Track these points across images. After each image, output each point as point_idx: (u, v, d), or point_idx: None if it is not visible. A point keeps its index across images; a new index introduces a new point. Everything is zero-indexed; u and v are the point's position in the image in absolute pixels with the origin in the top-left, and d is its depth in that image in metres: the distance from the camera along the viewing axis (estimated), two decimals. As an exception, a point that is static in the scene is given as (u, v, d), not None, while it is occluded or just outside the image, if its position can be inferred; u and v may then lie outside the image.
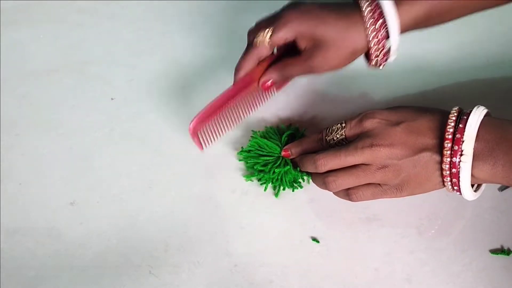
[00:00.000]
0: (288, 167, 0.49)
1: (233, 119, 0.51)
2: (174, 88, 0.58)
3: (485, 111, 0.40)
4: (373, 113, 0.44)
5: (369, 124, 0.43)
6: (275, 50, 0.50)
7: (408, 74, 0.56)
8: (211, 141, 0.50)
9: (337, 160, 0.43)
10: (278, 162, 0.49)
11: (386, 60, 0.47)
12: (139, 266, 0.47)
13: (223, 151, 0.53)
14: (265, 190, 0.50)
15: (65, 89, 0.59)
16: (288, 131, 0.51)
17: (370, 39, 0.45)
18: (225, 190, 0.51)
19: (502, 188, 0.48)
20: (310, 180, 0.50)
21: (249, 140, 0.52)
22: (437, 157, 0.40)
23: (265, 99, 0.54)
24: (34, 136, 0.56)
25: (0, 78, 0.60)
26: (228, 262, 0.47)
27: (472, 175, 0.40)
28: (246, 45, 0.49)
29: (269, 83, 0.49)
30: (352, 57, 0.47)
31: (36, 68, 0.60)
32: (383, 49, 0.46)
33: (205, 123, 0.49)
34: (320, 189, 0.48)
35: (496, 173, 0.39)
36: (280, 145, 0.50)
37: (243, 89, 0.50)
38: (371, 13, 0.44)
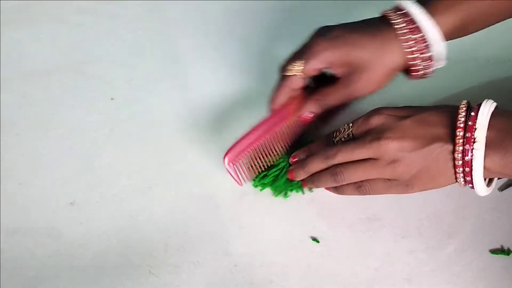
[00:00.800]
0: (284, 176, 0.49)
1: (271, 152, 0.49)
2: (174, 88, 0.58)
3: (495, 104, 0.40)
4: (380, 110, 0.44)
5: (376, 119, 0.43)
6: (310, 81, 0.49)
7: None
8: (248, 176, 0.49)
9: (345, 153, 0.43)
10: (282, 170, 0.49)
11: (432, 68, 0.46)
12: (139, 266, 0.47)
13: (223, 151, 0.53)
14: (260, 190, 0.50)
15: (65, 89, 0.59)
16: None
17: (410, 52, 0.44)
18: (225, 190, 0.51)
19: (502, 188, 0.48)
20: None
21: None
22: (449, 147, 0.40)
23: (308, 132, 0.51)
24: (34, 136, 0.56)
25: (0, 78, 0.60)
26: (228, 262, 0.47)
27: (483, 166, 0.39)
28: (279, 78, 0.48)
29: (308, 115, 0.47)
30: (392, 74, 0.45)
31: (36, 68, 0.60)
32: (429, 58, 0.44)
33: (240, 156, 0.47)
34: (320, 189, 0.48)
35: (507, 163, 0.38)
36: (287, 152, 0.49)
37: (280, 121, 0.48)
38: (407, 29, 0.43)
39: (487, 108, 0.39)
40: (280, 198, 0.50)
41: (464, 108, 0.40)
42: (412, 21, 0.43)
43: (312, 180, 0.46)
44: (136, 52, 0.61)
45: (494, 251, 0.46)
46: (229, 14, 0.62)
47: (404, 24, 0.43)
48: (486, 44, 0.57)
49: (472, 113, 0.39)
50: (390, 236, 0.47)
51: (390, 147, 0.41)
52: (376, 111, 0.44)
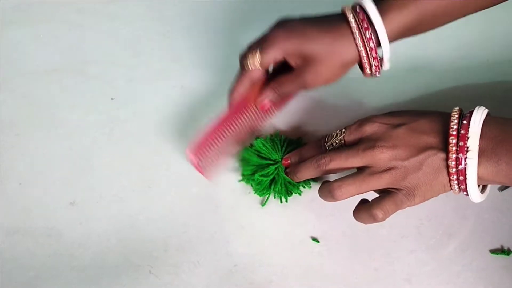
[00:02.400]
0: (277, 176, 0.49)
1: (234, 143, 0.50)
2: (174, 88, 0.58)
3: (486, 110, 0.41)
4: (373, 118, 0.44)
5: (369, 128, 0.43)
6: (271, 69, 0.50)
7: (407, 74, 0.56)
8: (216, 168, 0.49)
9: (338, 160, 0.43)
10: (272, 171, 0.49)
11: (380, 69, 0.47)
12: (139, 266, 0.47)
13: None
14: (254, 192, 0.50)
15: (65, 89, 0.59)
16: (287, 139, 0.51)
17: (361, 49, 0.44)
18: (225, 190, 0.51)
19: (502, 188, 0.48)
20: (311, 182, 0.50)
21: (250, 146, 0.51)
22: (442, 155, 0.40)
23: (266, 119, 0.52)
24: (34, 136, 0.56)
25: (0, 78, 0.60)
26: (228, 262, 0.47)
27: (477, 174, 0.39)
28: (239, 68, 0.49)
29: (266, 103, 0.49)
30: (344, 69, 0.46)
31: (36, 68, 0.60)
32: (376, 58, 0.45)
33: (203, 150, 0.48)
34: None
35: (499, 171, 0.39)
36: (279, 153, 0.50)
37: (240, 111, 0.49)
38: (358, 23, 0.44)
39: (479, 116, 0.40)
40: (279, 198, 0.50)
41: (456, 116, 0.40)
42: (365, 19, 0.44)
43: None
44: (136, 52, 0.61)
45: (494, 251, 0.46)
46: (229, 14, 0.62)
47: (355, 19, 0.44)
48: (486, 44, 0.57)
49: (464, 121, 0.40)
50: (390, 236, 0.47)
51: (383, 156, 0.41)
52: (369, 119, 0.44)
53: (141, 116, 0.56)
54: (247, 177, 0.50)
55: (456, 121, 0.40)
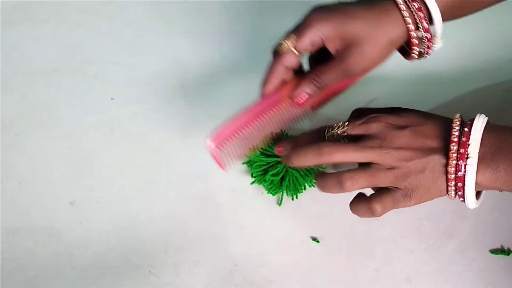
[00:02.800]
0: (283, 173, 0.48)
1: (258, 138, 0.45)
2: (174, 88, 0.58)
3: (486, 118, 0.41)
4: (379, 117, 0.43)
5: (375, 127, 0.42)
6: (305, 66, 0.46)
7: (407, 74, 0.56)
8: (234, 162, 0.45)
9: (342, 152, 0.41)
10: (282, 169, 0.48)
11: (432, 46, 0.44)
12: (139, 266, 0.47)
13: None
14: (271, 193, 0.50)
15: (65, 89, 0.59)
16: (291, 136, 0.51)
17: (409, 21, 0.41)
18: (225, 190, 0.51)
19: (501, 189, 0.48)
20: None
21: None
22: (443, 160, 0.40)
23: (299, 118, 0.46)
24: (34, 136, 0.56)
25: (0, 78, 0.60)
26: (228, 262, 0.47)
27: (475, 181, 0.39)
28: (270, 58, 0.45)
29: (302, 96, 0.44)
30: (391, 48, 0.43)
31: (36, 68, 0.60)
32: (428, 30, 0.42)
33: (227, 141, 0.43)
34: (320, 189, 0.48)
35: (498, 178, 0.39)
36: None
37: (272, 106, 0.44)
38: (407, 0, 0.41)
39: (480, 123, 0.40)
40: (279, 198, 0.50)
41: (458, 122, 0.40)
42: None
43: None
44: (136, 52, 0.61)
45: (494, 251, 0.46)
46: (229, 13, 0.62)
47: None
48: (486, 44, 0.57)
49: (466, 129, 0.40)
50: (390, 236, 0.47)
51: (390, 156, 0.41)
52: (376, 117, 0.43)
53: (141, 116, 0.56)
54: (259, 178, 0.50)
55: (457, 127, 0.40)
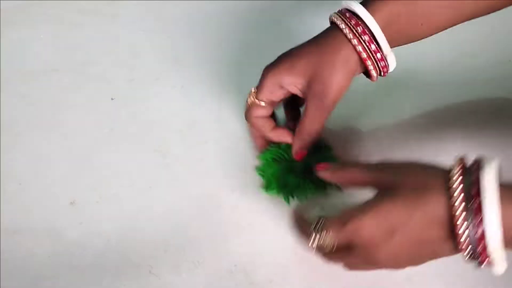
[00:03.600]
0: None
1: None
2: (174, 88, 0.58)
3: (496, 183, 0.32)
4: (359, 223, 0.36)
5: (358, 239, 0.37)
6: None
7: (406, 74, 0.56)
8: None
9: (339, 262, 0.41)
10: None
11: (386, 63, 0.44)
12: (139, 266, 0.47)
13: (223, 151, 0.53)
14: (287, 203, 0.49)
15: (65, 89, 0.59)
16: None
17: (355, 43, 0.42)
18: (225, 190, 0.51)
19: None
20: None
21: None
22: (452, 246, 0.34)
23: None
24: (34, 136, 0.56)
25: (0, 78, 0.60)
26: (228, 262, 0.47)
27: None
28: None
29: (300, 154, 0.47)
30: (347, 67, 0.43)
31: (36, 68, 0.60)
32: (380, 56, 0.43)
33: None
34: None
35: None
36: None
37: None
38: (345, 21, 0.42)
39: (494, 211, 0.31)
40: (279, 199, 0.50)
41: (460, 206, 0.32)
42: (352, 17, 0.42)
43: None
44: (136, 52, 0.61)
45: (494, 251, 0.46)
46: (229, 14, 0.63)
47: (343, 19, 0.42)
48: (486, 44, 0.58)
49: (474, 220, 0.32)
50: (390, 236, 0.47)
51: (385, 267, 0.39)
52: (355, 224, 0.36)
53: (141, 116, 0.56)
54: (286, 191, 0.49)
55: (461, 221, 0.32)
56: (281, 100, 0.48)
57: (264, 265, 0.47)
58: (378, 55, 0.43)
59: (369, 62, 0.43)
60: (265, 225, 0.49)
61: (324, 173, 0.42)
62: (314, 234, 0.38)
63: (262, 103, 0.47)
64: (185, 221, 0.49)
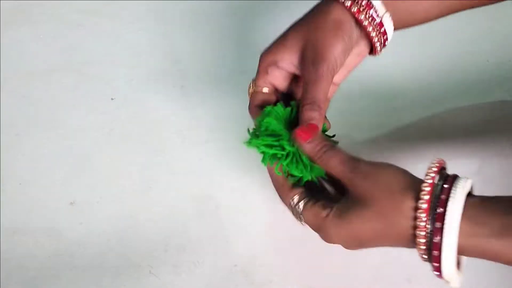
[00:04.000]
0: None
1: None
2: (174, 88, 0.58)
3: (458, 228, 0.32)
4: (327, 234, 0.39)
5: (327, 241, 0.40)
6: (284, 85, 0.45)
7: (407, 74, 0.56)
8: None
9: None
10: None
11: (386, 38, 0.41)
12: (139, 266, 0.47)
13: (223, 151, 0.53)
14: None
15: (65, 89, 0.59)
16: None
17: (351, 8, 0.39)
18: (225, 190, 0.51)
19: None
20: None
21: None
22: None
23: None
24: (34, 136, 0.56)
25: (0, 78, 0.60)
26: (228, 262, 0.47)
27: None
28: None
29: (302, 134, 0.39)
30: (340, 32, 0.40)
31: (36, 68, 0.60)
32: (378, 23, 0.40)
33: None
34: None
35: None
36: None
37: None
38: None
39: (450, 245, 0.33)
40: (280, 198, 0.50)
41: (422, 239, 0.34)
42: None
43: None
44: (136, 52, 0.61)
45: (494, 251, 0.46)
46: (229, 14, 0.63)
47: None
48: (486, 44, 0.58)
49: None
50: (390, 236, 0.47)
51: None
52: (325, 234, 0.40)
53: (141, 116, 0.56)
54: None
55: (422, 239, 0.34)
56: (283, 86, 0.44)
57: (264, 265, 0.47)
58: (376, 18, 0.40)
59: (366, 23, 0.40)
60: (265, 225, 0.49)
61: (305, 145, 0.39)
62: (291, 210, 0.41)
63: (264, 90, 0.44)
64: (185, 221, 0.49)
